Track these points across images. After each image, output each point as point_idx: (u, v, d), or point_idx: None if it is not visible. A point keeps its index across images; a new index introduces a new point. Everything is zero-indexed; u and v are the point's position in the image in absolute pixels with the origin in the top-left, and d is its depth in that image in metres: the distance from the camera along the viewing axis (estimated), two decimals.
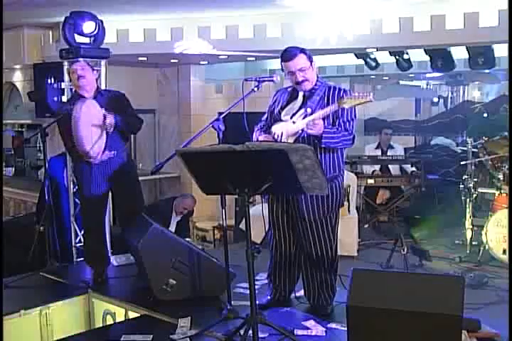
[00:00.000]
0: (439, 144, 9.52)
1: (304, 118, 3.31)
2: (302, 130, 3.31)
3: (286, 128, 3.38)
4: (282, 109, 3.48)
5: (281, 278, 3.67)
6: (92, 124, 4.04)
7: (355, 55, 7.06)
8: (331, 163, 3.39)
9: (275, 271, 3.67)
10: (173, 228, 6.12)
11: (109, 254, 4.68)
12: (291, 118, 3.39)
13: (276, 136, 3.40)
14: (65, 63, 5.13)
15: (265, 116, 3.62)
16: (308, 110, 3.32)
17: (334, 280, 3.58)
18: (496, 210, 5.37)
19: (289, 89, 3.54)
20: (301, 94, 3.44)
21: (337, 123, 3.32)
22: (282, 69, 3.43)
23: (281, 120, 3.44)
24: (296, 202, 3.42)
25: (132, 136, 7.93)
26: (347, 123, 3.34)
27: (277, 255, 3.63)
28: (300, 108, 3.40)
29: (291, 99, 3.49)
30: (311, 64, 3.37)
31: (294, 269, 3.65)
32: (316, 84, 3.41)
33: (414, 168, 7.10)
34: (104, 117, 4.04)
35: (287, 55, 3.34)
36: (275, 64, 7.95)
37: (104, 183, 4.27)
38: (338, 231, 3.54)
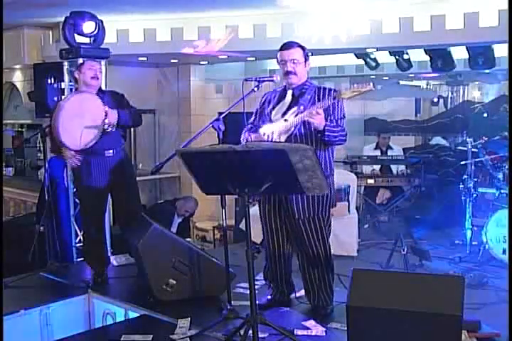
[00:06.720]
0: (439, 144, 9.53)
1: (296, 115, 3.32)
2: (295, 127, 3.32)
3: (277, 126, 3.38)
4: (273, 108, 3.49)
5: (276, 278, 3.66)
6: (80, 117, 3.91)
7: (355, 55, 7.07)
8: (323, 162, 3.37)
9: (271, 271, 3.67)
10: (174, 229, 6.12)
11: (109, 254, 4.69)
12: (282, 116, 3.39)
13: (266, 137, 3.39)
14: (65, 63, 5.13)
15: (252, 118, 3.61)
16: (301, 108, 3.32)
17: (332, 280, 3.56)
18: (496, 210, 5.37)
19: (278, 90, 3.55)
20: (289, 92, 3.46)
21: (329, 121, 3.32)
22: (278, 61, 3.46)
23: (271, 120, 3.44)
24: (286, 202, 3.41)
25: (132, 136, 7.98)
26: (339, 121, 3.37)
27: (271, 255, 3.62)
28: (290, 106, 3.41)
29: (281, 99, 3.50)
30: (305, 61, 3.42)
31: (289, 269, 3.66)
32: (305, 84, 3.44)
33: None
34: (106, 114, 3.95)
35: (285, 45, 3.44)
36: (275, 64, 7.89)
37: (103, 182, 4.23)
38: (330, 230, 3.53)
